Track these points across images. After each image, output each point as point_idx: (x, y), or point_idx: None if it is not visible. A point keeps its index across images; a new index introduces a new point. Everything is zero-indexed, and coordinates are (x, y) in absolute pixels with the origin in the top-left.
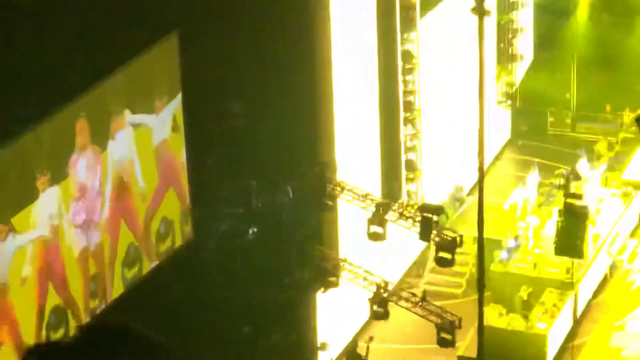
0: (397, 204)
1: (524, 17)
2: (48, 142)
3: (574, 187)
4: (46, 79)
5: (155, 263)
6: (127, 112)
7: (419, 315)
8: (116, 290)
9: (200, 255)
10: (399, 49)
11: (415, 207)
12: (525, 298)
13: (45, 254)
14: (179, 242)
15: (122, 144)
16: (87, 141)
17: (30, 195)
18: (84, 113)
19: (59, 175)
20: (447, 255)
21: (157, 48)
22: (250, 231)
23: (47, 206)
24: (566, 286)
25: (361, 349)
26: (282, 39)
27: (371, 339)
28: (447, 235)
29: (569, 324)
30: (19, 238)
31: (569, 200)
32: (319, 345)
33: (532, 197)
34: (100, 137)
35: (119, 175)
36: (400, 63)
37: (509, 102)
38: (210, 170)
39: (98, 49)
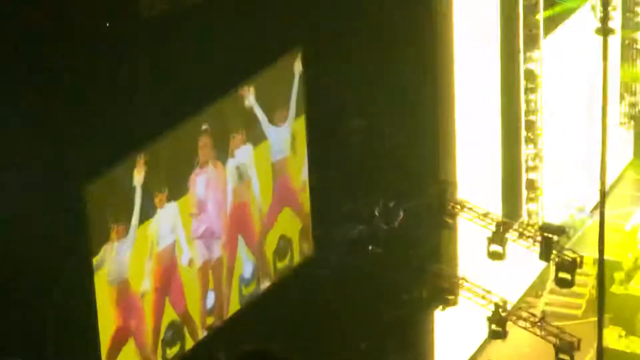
0: (517, 223)
1: None
2: (167, 158)
3: None
4: (168, 93)
5: (272, 280)
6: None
7: (538, 336)
8: (233, 307)
9: (318, 273)
10: (522, 67)
11: (536, 226)
12: None
13: (163, 269)
14: (297, 260)
15: (242, 161)
16: (209, 157)
17: (147, 213)
18: (206, 128)
19: (177, 191)
20: (567, 276)
21: (280, 64)
22: (370, 249)
23: (165, 222)
24: None
25: None
26: (405, 56)
27: (488, 358)
28: (567, 256)
29: None
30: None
31: None
32: None
33: None
34: (221, 153)
35: (238, 191)
36: (522, 82)
37: (632, 122)
38: (330, 189)
39: (222, 64)
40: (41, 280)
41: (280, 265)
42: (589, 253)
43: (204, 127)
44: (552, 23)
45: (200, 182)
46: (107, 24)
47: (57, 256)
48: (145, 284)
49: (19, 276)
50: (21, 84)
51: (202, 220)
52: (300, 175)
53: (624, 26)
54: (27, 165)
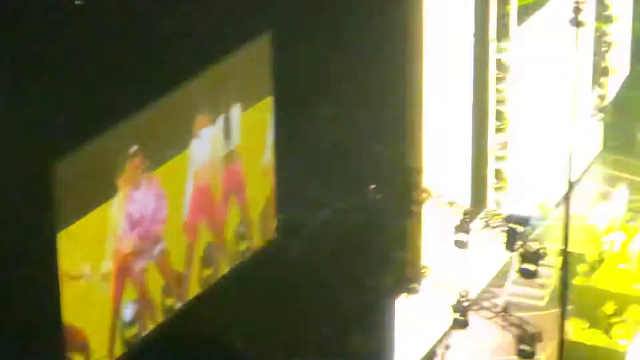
0: (483, 213)
1: (621, 31)
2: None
3: None
4: (131, 79)
5: (234, 263)
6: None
7: (499, 326)
8: (193, 289)
9: (282, 257)
10: (493, 57)
11: (502, 216)
12: (607, 310)
13: (124, 251)
14: (258, 243)
15: (205, 143)
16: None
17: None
18: (168, 113)
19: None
20: (531, 267)
21: (247, 49)
22: (335, 235)
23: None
24: None
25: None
26: (375, 42)
27: (447, 347)
28: (531, 247)
29: None
30: None
31: None
32: None
33: (619, 213)
34: (185, 136)
35: (200, 175)
36: (493, 71)
37: (601, 115)
38: (297, 173)
39: (187, 50)
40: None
41: (241, 247)
42: (553, 245)
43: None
44: (524, 13)
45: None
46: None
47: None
48: (105, 265)
49: None
50: None
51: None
52: (262, 160)
53: (597, 18)
54: None
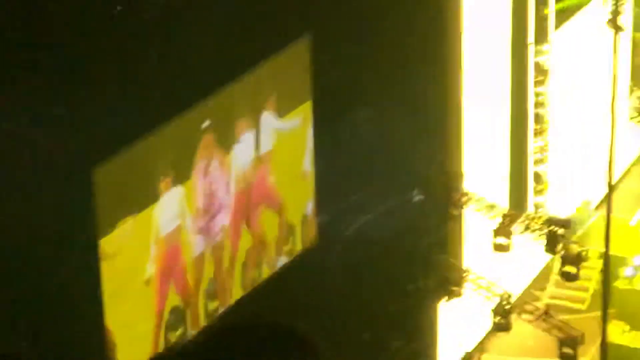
0: (523, 216)
1: None
2: (172, 144)
3: None
4: (173, 81)
5: (274, 267)
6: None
7: (541, 329)
8: (235, 293)
9: (323, 262)
10: (532, 60)
11: (542, 219)
12: None
13: (167, 254)
14: (299, 247)
15: (247, 147)
16: (211, 144)
17: (152, 197)
18: (210, 116)
19: (182, 177)
20: (572, 270)
21: (287, 52)
22: (376, 239)
23: (169, 207)
24: None
25: None
26: (413, 46)
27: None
28: (573, 249)
29: None
30: None
31: None
32: None
33: None
34: (226, 140)
35: (242, 178)
36: (532, 75)
37: None
38: (337, 177)
39: (227, 52)
40: (47, 263)
41: (284, 250)
42: (595, 247)
43: (207, 116)
44: (562, 16)
45: (205, 168)
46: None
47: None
48: (150, 269)
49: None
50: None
51: (206, 206)
52: (301, 165)
53: (635, 23)
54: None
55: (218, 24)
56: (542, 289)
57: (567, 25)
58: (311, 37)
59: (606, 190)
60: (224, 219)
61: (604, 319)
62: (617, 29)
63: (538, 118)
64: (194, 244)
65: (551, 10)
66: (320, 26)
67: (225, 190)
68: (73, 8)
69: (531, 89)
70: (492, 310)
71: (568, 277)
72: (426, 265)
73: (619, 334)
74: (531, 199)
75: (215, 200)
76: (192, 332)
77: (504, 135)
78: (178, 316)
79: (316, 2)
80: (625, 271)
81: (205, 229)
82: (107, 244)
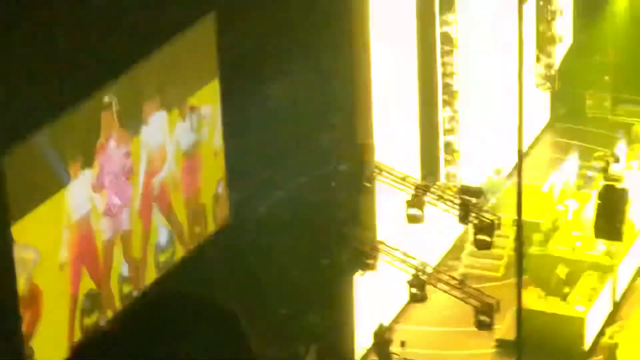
0: (435, 187)
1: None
2: (78, 128)
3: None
4: (76, 64)
5: (189, 247)
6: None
7: (457, 298)
8: (149, 275)
9: (236, 239)
10: (438, 30)
11: (454, 189)
12: (562, 277)
13: (79, 238)
14: (212, 227)
15: (156, 128)
16: (113, 127)
17: (62, 182)
18: (113, 98)
19: (90, 160)
20: (486, 238)
21: (193, 30)
22: (289, 214)
23: (79, 191)
24: (605, 269)
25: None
26: (320, 19)
27: (403, 344)
28: (485, 218)
29: (608, 307)
30: None
31: (608, 182)
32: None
33: (571, 180)
34: (133, 122)
35: (152, 160)
36: (438, 45)
37: (548, 84)
38: (247, 153)
39: (131, 33)
40: None
41: (196, 230)
42: (507, 215)
43: (106, 99)
44: None
45: (109, 151)
46: None
47: None
48: (63, 254)
49: None
50: None
51: (113, 189)
52: (212, 144)
53: None
54: None
55: (123, 3)
56: (458, 258)
57: None
58: (216, 15)
59: (517, 157)
60: (134, 203)
61: (519, 286)
62: None
63: (446, 88)
64: (105, 228)
65: None
66: (225, 3)
67: (133, 173)
68: None
69: (438, 59)
70: (408, 282)
71: (482, 245)
72: (340, 239)
73: (535, 299)
74: (443, 169)
75: (124, 183)
76: (107, 315)
77: (413, 107)
78: (93, 300)
79: None
80: None
81: (115, 212)
82: (19, 230)
